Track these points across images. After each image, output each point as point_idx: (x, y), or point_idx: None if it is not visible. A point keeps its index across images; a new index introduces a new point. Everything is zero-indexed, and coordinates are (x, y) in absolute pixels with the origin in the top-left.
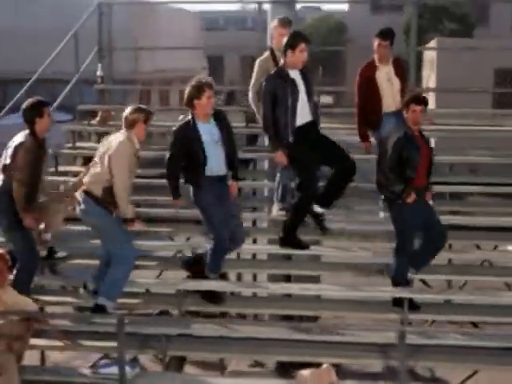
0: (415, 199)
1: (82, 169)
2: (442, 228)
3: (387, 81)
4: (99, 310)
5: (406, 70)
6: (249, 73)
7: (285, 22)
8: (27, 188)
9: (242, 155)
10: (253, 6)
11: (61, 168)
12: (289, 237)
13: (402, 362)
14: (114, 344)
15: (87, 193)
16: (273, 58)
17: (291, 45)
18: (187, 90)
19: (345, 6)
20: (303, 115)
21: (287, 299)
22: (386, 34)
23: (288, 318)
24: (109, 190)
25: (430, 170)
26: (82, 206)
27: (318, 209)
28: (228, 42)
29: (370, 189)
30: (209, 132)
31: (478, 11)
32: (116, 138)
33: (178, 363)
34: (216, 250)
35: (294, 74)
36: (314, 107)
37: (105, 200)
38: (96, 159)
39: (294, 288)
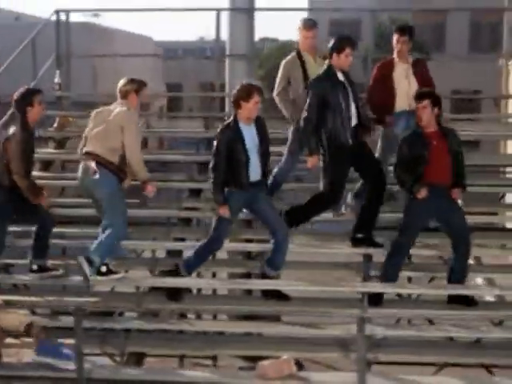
0: (426, 196)
1: (41, 173)
2: (461, 231)
3: (405, 78)
4: (89, 262)
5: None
6: (209, 100)
7: (308, 25)
8: (28, 177)
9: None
10: (211, 37)
11: None
12: (294, 215)
13: (362, 355)
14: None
15: (101, 163)
16: (299, 59)
17: (337, 48)
18: (236, 91)
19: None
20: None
21: (247, 297)
22: (404, 29)
23: (249, 317)
24: (123, 158)
25: (455, 169)
26: (97, 176)
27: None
28: (187, 71)
29: None
30: (250, 135)
31: (433, 38)
32: (117, 109)
33: (137, 359)
34: (207, 249)
35: (341, 77)
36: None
37: (119, 168)
38: (98, 129)
39: (254, 284)
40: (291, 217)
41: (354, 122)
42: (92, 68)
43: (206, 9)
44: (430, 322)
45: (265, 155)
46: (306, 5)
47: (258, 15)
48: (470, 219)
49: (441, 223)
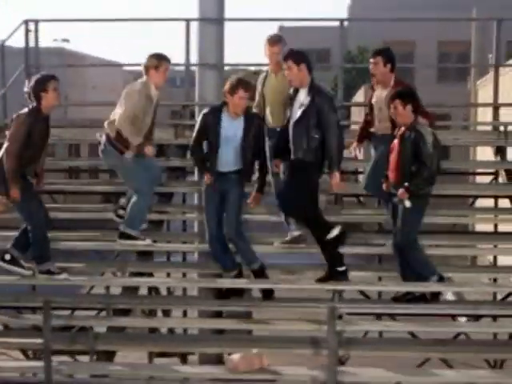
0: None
1: None
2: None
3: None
4: (125, 236)
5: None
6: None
7: (273, 41)
8: (16, 160)
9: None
10: (181, 67)
11: None
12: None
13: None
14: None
15: (106, 134)
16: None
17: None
18: (231, 79)
19: None
20: None
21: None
22: (375, 52)
23: (219, 315)
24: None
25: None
26: (101, 147)
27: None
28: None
29: None
30: (233, 127)
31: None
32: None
33: (107, 357)
34: None
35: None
36: None
37: (117, 139)
38: None
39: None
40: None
41: None
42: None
43: (175, 19)
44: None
45: (254, 154)
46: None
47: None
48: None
49: None
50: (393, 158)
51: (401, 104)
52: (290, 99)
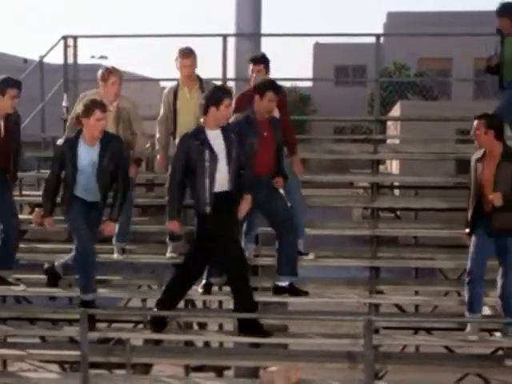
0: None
1: None
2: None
3: None
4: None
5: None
6: None
7: (185, 53)
8: None
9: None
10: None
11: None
12: None
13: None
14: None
15: None
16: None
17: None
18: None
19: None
20: None
21: None
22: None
23: None
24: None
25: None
26: None
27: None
28: None
29: None
30: (88, 156)
31: (439, 86)
32: None
33: (144, 368)
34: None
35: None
36: None
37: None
38: None
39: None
40: None
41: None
42: None
43: (213, 34)
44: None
45: (114, 178)
46: (310, 52)
47: None
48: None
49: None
50: None
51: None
52: None
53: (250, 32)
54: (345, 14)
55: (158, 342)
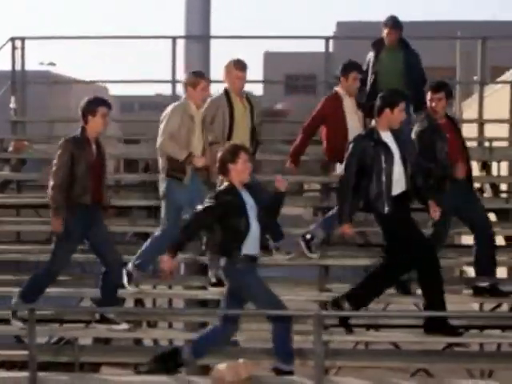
0: None
1: None
2: None
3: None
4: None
5: None
6: None
7: (242, 65)
8: None
9: None
10: (168, 92)
11: None
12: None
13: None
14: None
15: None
16: (228, 99)
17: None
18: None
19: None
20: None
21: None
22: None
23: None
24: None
25: None
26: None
27: None
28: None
29: None
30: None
31: None
32: None
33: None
34: None
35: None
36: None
37: (171, 168)
38: None
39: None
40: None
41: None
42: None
43: (161, 36)
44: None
45: None
46: (260, 59)
47: None
48: None
49: None
50: None
51: None
52: None
53: (199, 34)
54: (295, 26)
55: (107, 341)
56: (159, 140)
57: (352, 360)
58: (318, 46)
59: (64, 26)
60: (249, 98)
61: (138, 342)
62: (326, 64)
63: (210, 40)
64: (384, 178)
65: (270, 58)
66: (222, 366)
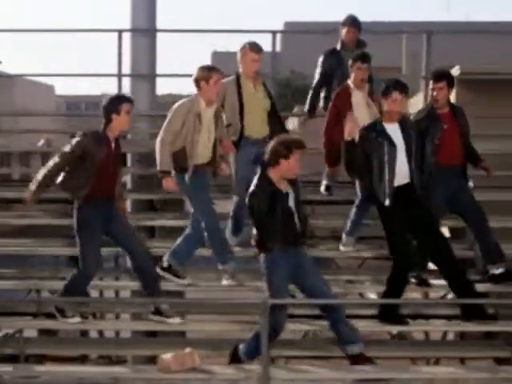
0: None
1: None
2: None
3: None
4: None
5: None
6: None
7: (258, 48)
8: None
9: None
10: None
11: None
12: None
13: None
14: None
15: None
16: (237, 84)
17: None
18: None
19: None
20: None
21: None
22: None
23: None
24: (177, 154)
25: None
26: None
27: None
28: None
29: None
30: None
31: None
32: None
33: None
34: None
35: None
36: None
37: (177, 164)
38: None
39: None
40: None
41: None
42: None
43: (107, 30)
44: None
45: None
46: (208, 59)
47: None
48: None
49: None
50: None
51: None
52: None
53: (145, 28)
54: (243, 25)
55: (53, 333)
56: (159, 138)
57: (300, 349)
58: (265, 46)
59: (11, 22)
60: (265, 83)
61: (86, 334)
62: (272, 61)
63: (156, 34)
64: (386, 170)
65: (218, 58)
66: (167, 356)
